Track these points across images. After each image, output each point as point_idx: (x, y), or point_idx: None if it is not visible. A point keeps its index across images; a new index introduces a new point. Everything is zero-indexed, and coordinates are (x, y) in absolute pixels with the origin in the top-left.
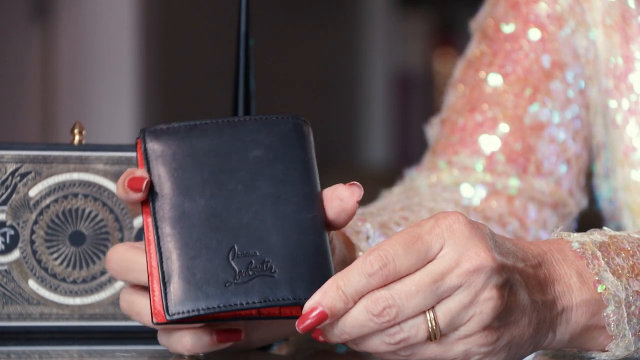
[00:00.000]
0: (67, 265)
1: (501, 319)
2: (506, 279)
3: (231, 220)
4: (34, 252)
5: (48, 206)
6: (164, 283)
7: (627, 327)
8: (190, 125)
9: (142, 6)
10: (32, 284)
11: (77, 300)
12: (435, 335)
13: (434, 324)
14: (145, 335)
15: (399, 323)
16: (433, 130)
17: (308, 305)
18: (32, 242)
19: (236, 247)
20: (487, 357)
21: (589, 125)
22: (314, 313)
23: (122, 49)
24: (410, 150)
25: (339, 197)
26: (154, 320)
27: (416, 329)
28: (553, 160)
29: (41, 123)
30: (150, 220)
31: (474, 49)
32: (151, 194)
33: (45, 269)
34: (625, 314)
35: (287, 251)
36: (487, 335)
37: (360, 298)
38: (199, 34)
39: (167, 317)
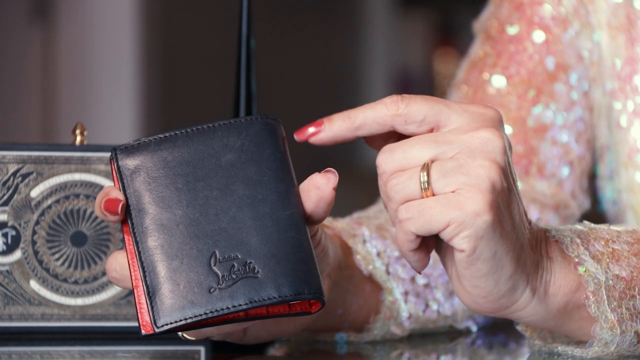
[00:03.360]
0: (69, 266)
1: (494, 198)
2: (501, 166)
3: (210, 227)
4: (36, 253)
5: (49, 207)
6: (149, 296)
7: (608, 309)
8: (160, 138)
9: (142, 7)
10: (34, 284)
11: (79, 301)
12: (426, 186)
13: (425, 178)
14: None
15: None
16: None
17: (314, 123)
18: (34, 243)
19: (217, 253)
20: (477, 231)
21: (593, 127)
22: (316, 127)
23: (123, 50)
24: None
25: (316, 186)
26: (143, 332)
27: (408, 179)
28: (556, 162)
29: (42, 124)
30: (129, 235)
31: (477, 50)
32: (128, 210)
33: (47, 270)
34: (605, 296)
35: (268, 250)
36: (480, 194)
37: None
38: (200, 35)
39: (156, 329)
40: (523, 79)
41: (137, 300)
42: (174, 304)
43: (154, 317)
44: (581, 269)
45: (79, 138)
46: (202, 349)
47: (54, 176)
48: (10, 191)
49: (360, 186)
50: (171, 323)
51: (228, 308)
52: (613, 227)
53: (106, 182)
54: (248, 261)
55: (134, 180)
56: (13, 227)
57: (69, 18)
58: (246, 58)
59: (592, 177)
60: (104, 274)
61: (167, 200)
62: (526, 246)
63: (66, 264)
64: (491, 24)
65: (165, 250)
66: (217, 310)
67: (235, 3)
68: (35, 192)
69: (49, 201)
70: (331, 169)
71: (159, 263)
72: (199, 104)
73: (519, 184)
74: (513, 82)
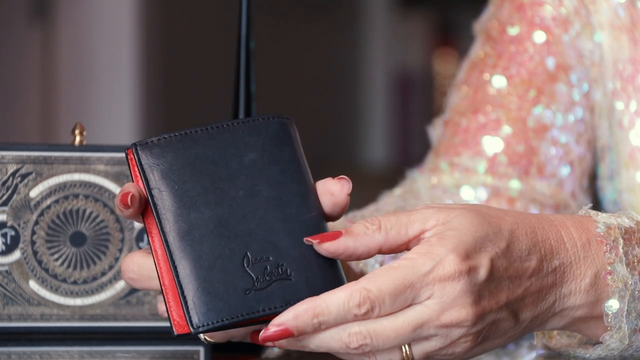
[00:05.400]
0: (68, 266)
1: (478, 348)
2: (487, 324)
3: (239, 228)
4: (35, 253)
5: (49, 207)
6: (184, 296)
7: (625, 321)
8: (181, 134)
9: (142, 7)
10: (33, 284)
11: (78, 301)
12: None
13: (409, 356)
14: (146, 335)
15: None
16: (436, 131)
17: (277, 321)
18: (33, 243)
19: (249, 254)
20: None
21: (593, 128)
22: (279, 329)
23: (123, 50)
24: (410, 150)
25: (330, 192)
26: (176, 332)
27: (390, 358)
28: (555, 162)
29: (42, 124)
30: (157, 233)
31: (477, 50)
32: (154, 208)
33: (46, 270)
34: (625, 308)
35: (298, 253)
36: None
37: (336, 325)
38: (200, 35)
39: (192, 330)
40: (523, 80)
41: (166, 300)
42: (211, 305)
43: (190, 317)
44: (610, 279)
45: (78, 138)
46: (201, 349)
47: (53, 176)
48: (10, 191)
49: (359, 185)
50: (208, 325)
51: (264, 310)
52: None
53: (105, 182)
54: (280, 263)
55: (158, 177)
56: (12, 227)
57: (69, 18)
58: (245, 58)
59: (592, 178)
60: (103, 274)
61: (195, 200)
62: (533, 327)
63: (65, 264)
64: (492, 24)
65: (197, 250)
66: (254, 312)
67: (235, 3)
68: (34, 192)
69: (48, 201)
70: (345, 176)
71: (192, 263)
72: (198, 104)
73: (519, 184)
74: (513, 83)
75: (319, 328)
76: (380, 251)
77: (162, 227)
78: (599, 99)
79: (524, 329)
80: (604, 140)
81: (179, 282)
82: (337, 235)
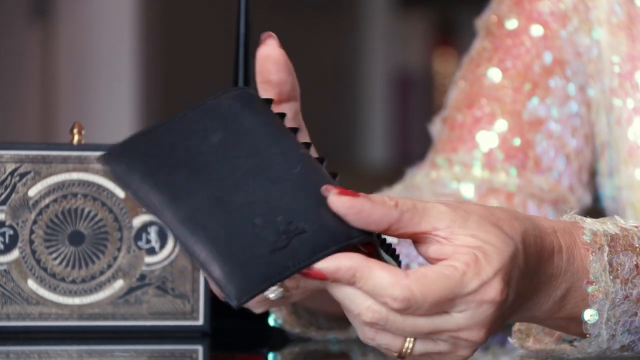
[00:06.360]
0: (67, 265)
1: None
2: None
3: (237, 201)
4: (33, 252)
5: (47, 206)
6: (213, 278)
7: (604, 327)
8: (143, 133)
9: (142, 6)
10: (32, 283)
11: (77, 300)
12: (404, 357)
13: (409, 350)
14: (145, 335)
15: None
16: (436, 128)
17: (319, 265)
18: (32, 242)
19: (257, 221)
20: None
21: (591, 124)
22: (318, 272)
23: (122, 49)
24: (410, 150)
25: (265, 58)
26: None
27: (390, 344)
28: (551, 155)
29: (40, 123)
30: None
31: (476, 45)
32: (148, 208)
33: (45, 269)
34: (605, 317)
35: (304, 207)
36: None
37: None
38: (199, 35)
39: (236, 303)
40: (519, 72)
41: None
42: (242, 276)
43: (228, 294)
44: (591, 288)
45: (76, 137)
46: (200, 348)
47: (51, 175)
48: (8, 190)
49: (360, 185)
50: (247, 295)
51: (294, 266)
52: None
53: (104, 181)
54: (290, 220)
55: (138, 180)
56: (11, 227)
57: (69, 18)
58: (244, 58)
59: (592, 174)
60: (101, 273)
61: (183, 189)
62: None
63: (64, 263)
64: (491, 19)
65: (209, 231)
66: (285, 271)
67: (234, 3)
68: (32, 192)
69: (47, 200)
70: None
71: (209, 245)
72: (197, 103)
73: (516, 179)
74: (509, 75)
75: (352, 284)
76: (389, 229)
77: (165, 222)
78: (596, 95)
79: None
80: (603, 137)
81: (202, 266)
82: (356, 194)
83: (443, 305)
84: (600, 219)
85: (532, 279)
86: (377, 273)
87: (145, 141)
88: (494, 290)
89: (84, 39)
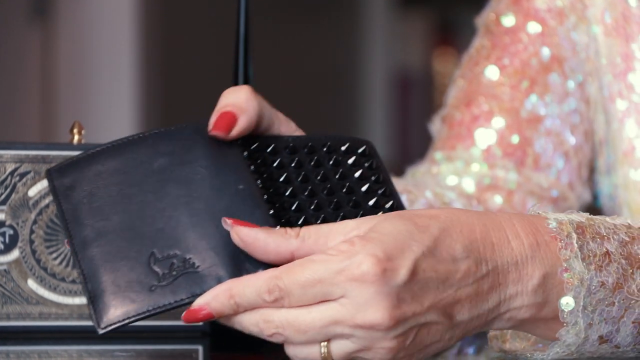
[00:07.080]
0: (67, 265)
1: (405, 352)
2: (409, 327)
3: (147, 229)
4: (33, 252)
5: (47, 206)
6: (92, 301)
7: (580, 315)
8: (91, 153)
9: (142, 7)
10: (32, 283)
11: (77, 300)
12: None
13: (326, 354)
14: (145, 335)
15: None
16: (435, 126)
17: (198, 303)
18: (32, 242)
19: (156, 252)
20: None
21: (590, 121)
22: (202, 313)
23: (122, 49)
24: (410, 149)
25: (232, 105)
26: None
27: (308, 354)
28: (550, 153)
29: (40, 123)
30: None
31: (476, 43)
32: (69, 227)
33: (45, 269)
34: (581, 304)
35: (205, 244)
36: None
37: (252, 308)
38: (199, 35)
39: (100, 331)
40: (517, 70)
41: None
42: (117, 305)
43: (97, 320)
44: (567, 275)
45: (76, 137)
46: (200, 347)
47: None
48: (8, 190)
49: None
50: (115, 323)
51: (170, 303)
52: (609, 220)
53: None
54: (187, 257)
55: (69, 196)
56: (11, 226)
57: (69, 18)
58: (244, 58)
59: (592, 171)
60: None
61: (103, 209)
62: (474, 327)
63: (64, 263)
64: (489, 17)
65: (104, 256)
66: (159, 307)
67: (234, 3)
68: (32, 191)
69: (47, 200)
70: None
71: (99, 269)
72: (197, 104)
73: (516, 176)
74: (507, 73)
75: (237, 310)
76: (293, 256)
77: (72, 242)
78: (594, 93)
79: (464, 329)
80: (601, 135)
81: (85, 287)
82: (254, 225)
83: (314, 289)
84: (565, 212)
85: (477, 265)
86: (248, 281)
87: (91, 158)
88: (364, 266)
89: (84, 39)
